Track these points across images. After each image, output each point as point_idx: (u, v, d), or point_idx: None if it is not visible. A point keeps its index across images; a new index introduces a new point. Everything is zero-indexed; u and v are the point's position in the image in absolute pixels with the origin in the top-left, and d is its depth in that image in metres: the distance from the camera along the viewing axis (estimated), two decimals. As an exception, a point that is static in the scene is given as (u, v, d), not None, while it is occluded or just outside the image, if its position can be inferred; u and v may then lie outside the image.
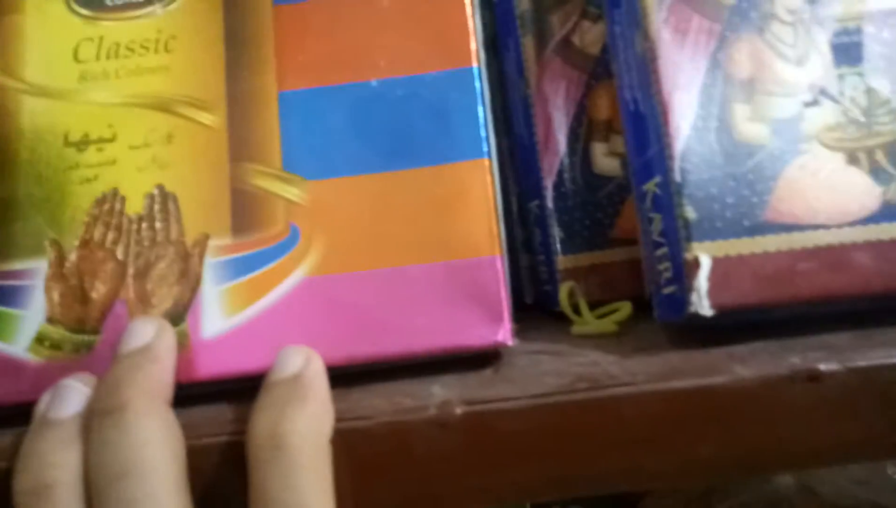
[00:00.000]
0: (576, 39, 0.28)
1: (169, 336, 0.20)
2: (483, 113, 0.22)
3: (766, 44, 0.22)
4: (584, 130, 0.28)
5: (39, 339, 0.21)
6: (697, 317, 0.20)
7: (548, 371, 0.21)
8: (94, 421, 0.18)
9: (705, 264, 0.20)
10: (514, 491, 0.19)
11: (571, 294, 0.26)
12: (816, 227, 0.21)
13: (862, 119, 0.21)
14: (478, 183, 0.22)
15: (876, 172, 0.21)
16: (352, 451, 0.19)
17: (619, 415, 0.19)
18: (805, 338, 0.21)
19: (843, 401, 0.19)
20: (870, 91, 0.22)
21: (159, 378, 0.19)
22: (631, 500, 0.57)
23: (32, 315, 0.21)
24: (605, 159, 0.28)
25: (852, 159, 0.21)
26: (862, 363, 0.19)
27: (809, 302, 0.20)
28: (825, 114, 0.22)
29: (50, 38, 0.23)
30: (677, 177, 0.21)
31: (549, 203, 0.28)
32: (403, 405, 0.19)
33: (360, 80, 0.23)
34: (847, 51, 0.22)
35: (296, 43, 0.23)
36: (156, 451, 0.17)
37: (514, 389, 0.20)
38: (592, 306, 0.27)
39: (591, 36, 0.28)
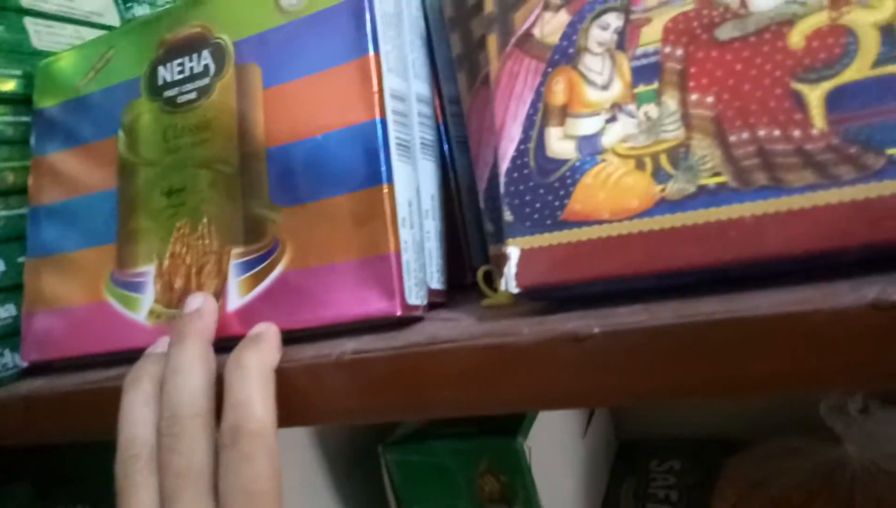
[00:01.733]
0: (536, 32, 0.35)
1: (211, 303, 0.34)
2: (385, 152, 0.32)
3: (578, 73, 0.28)
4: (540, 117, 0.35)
5: (151, 312, 0.36)
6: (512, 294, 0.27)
7: (424, 332, 0.30)
8: (168, 347, 0.32)
9: (514, 254, 0.28)
10: (381, 411, 0.29)
11: (488, 275, 0.34)
12: (601, 222, 0.26)
13: (652, 129, 0.26)
14: (382, 201, 0.31)
15: (657, 174, 0.26)
16: (286, 381, 0.30)
17: (444, 362, 0.28)
18: (591, 310, 0.26)
19: (602, 357, 0.25)
20: (661, 104, 0.26)
21: (204, 327, 0.33)
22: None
23: (147, 298, 0.37)
24: (559, 143, 0.35)
25: (639, 164, 0.26)
26: (618, 327, 0.25)
27: (593, 281, 0.26)
28: (622, 128, 0.27)
29: (152, 129, 0.39)
30: (502, 189, 0.28)
31: (483, 202, 0.36)
32: (321, 352, 0.30)
33: (311, 136, 0.33)
34: (644, 71, 0.27)
35: (275, 113, 0.35)
36: (195, 360, 0.31)
37: (392, 343, 0.29)
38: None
39: (550, 26, 0.34)
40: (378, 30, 0.33)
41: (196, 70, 0.37)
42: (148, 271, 0.37)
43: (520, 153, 0.28)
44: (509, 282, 0.27)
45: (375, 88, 0.32)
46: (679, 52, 0.26)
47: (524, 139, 0.28)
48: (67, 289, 0.39)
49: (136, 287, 0.37)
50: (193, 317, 0.33)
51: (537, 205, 0.28)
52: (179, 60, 0.38)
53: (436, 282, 0.35)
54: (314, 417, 0.31)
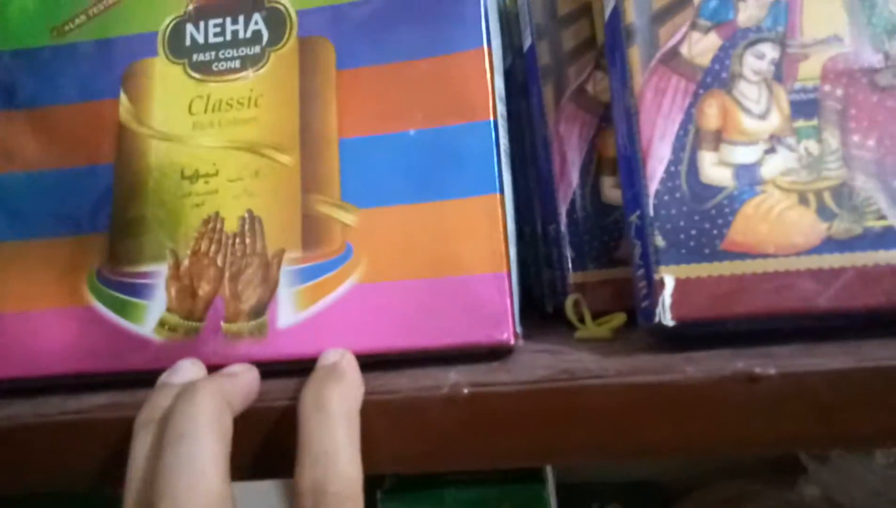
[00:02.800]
0: (589, 87, 0.33)
1: (253, 375, 0.26)
2: (496, 156, 0.28)
3: (734, 100, 0.27)
4: (594, 166, 0.33)
5: (161, 323, 0.29)
6: (663, 326, 0.25)
7: (541, 365, 0.27)
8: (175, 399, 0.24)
9: (669, 283, 0.25)
10: (503, 457, 0.25)
11: (576, 305, 0.32)
12: (765, 256, 0.25)
13: (813, 165, 0.26)
14: (490, 214, 0.28)
15: (822, 211, 0.25)
16: (383, 415, 0.25)
17: (588, 402, 0.24)
18: (755, 348, 0.25)
19: (778, 400, 0.23)
20: (822, 141, 0.26)
21: (233, 390, 0.25)
22: (665, 502, 0.61)
23: (156, 305, 0.29)
24: (611, 191, 0.33)
25: (802, 200, 0.26)
26: (794, 368, 0.23)
27: (756, 318, 0.25)
28: (782, 160, 0.26)
29: (171, 96, 0.31)
30: (651, 212, 0.26)
31: (563, 227, 0.33)
32: (424, 384, 0.25)
33: (401, 130, 0.29)
34: (804, 106, 0.26)
35: (353, 100, 0.30)
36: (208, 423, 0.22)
37: (509, 376, 0.25)
38: (598, 315, 0.32)
39: (603, 85, 0.33)
40: (490, 22, 0.30)
41: (242, 35, 0.31)
42: (157, 271, 0.29)
43: (670, 175, 0.26)
44: (664, 313, 0.25)
45: (489, 87, 0.29)
46: (839, 92, 0.26)
47: (674, 161, 0.26)
48: (29, 288, 0.30)
49: (138, 291, 0.29)
50: (225, 376, 0.26)
51: (693, 232, 0.26)
52: (218, 20, 0.31)
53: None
54: (416, 462, 0.25)
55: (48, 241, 0.30)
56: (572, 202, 0.33)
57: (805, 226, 0.25)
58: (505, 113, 0.31)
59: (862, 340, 0.24)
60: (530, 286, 0.39)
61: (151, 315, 0.29)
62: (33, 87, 0.32)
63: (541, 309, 0.37)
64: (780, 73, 0.27)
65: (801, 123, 0.26)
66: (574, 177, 0.33)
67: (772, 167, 0.26)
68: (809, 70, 0.27)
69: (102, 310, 0.29)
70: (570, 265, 0.33)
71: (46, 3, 0.33)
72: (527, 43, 0.35)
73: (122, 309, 0.29)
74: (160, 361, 0.28)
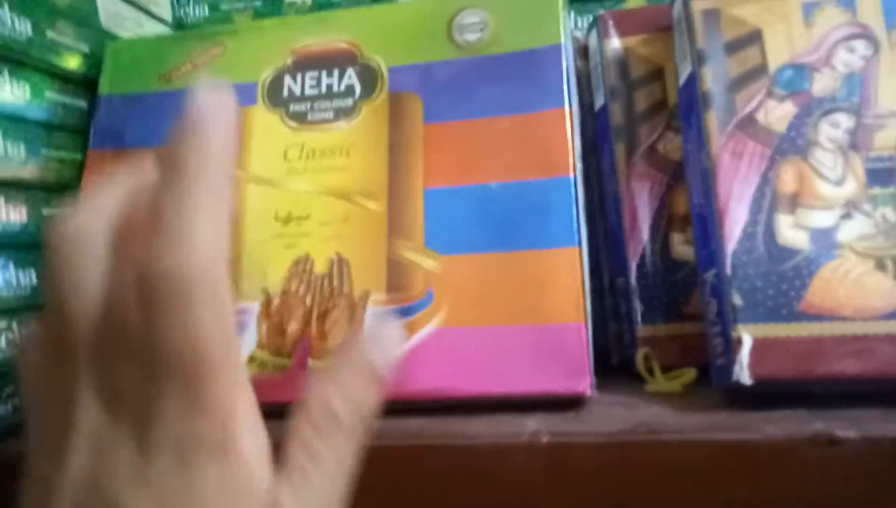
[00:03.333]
0: (660, 147, 0.35)
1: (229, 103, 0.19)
2: (576, 211, 0.29)
3: (809, 166, 0.28)
4: (664, 222, 0.34)
5: (251, 359, 0.30)
6: (741, 385, 0.26)
7: (618, 417, 0.27)
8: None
9: (747, 342, 0.26)
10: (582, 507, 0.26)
11: (647, 358, 0.33)
12: (844, 319, 0.26)
13: (890, 232, 0.26)
14: (569, 265, 0.29)
15: (900, 277, 0.26)
16: (463, 461, 0.26)
17: (668, 456, 0.25)
18: (834, 410, 0.25)
19: (858, 464, 0.24)
20: (899, 209, 0.27)
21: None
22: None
23: (247, 342, 0.30)
24: (681, 247, 0.34)
25: (880, 265, 0.26)
26: (874, 432, 0.24)
27: (834, 380, 0.25)
28: (858, 226, 0.27)
29: (268, 143, 0.33)
30: (728, 271, 0.27)
31: (633, 281, 0.34)
32: (503, 430, 0.26)
33: (483, 183, 0.30)
34: (880, 174, 0.27)
35: (438, 153, 0.31)
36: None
37: (589, 427, 0.26)
38: (666, 369, 0.32)
39: (673, 144, 0.34)
40: (571, 81, 0.31)
41: (336, 88, 0.33)
42: (249, 308, 0.31)
43: (747, 236, 0.27)
44: (742, 371, 0.26)
45: (570, 145, 0.30)
46: (915, 161, 0.27)
47: (751, 222, 0.27)
48: None
49: None
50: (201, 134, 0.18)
51: (770, 292, 0.27)
52: (314, 73, 0.34)
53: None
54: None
55: None
56: (642, 257, 0.34)
57: (883, 291, 0.26)
58: (581, 170, 0.33)
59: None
60: (595, 338, 0.39)
61: (243, 351, 0.30)
62: (142, 129, 0.35)
63: (605, 361, 0.38)
64: (856, 141, 0.28)
65: (877, 190, 0.27)
66: (644, 232, 0.34)
67: (848, 232, 0.27)
68: (885, 140, 0.28)
69: None
70: (639, 318, 0.34)
71: (155, 51, 0.36)
72: (599, 103, 0.36)
73: None
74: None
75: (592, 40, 0.37)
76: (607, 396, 0.31)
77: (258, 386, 0.30)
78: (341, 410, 0.19)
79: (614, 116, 0.35)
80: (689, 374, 0.31)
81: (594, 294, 0.39)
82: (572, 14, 0.43)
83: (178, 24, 0.45)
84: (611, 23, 0.36)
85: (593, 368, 0.29)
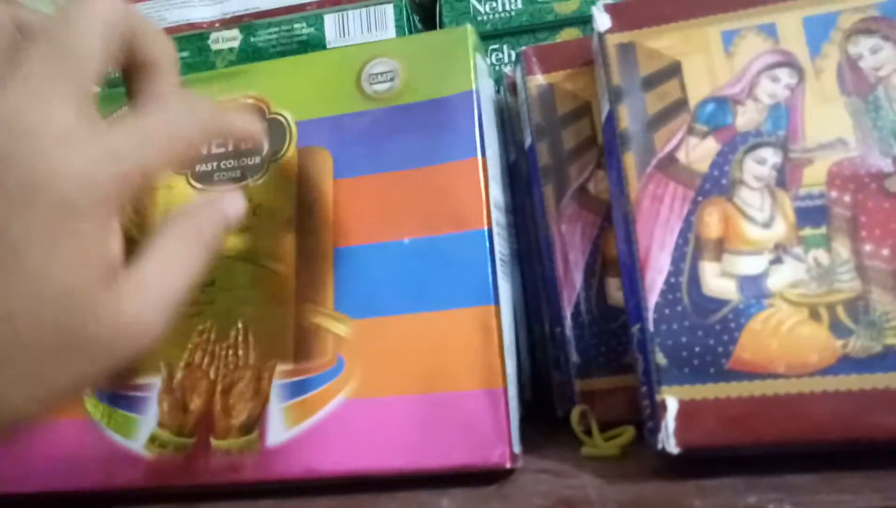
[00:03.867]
0: (591, 186, 0.33)
1: None
2: (491, 267, 0.27)
3: (735, 207, 0.26)
4: (599, 267, 0.32)
5: (152, 439, 0.28)
6: (667, 453, 0.24)
7: (539, 492, 0.25)
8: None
9: (672, 406, 0.24)
10: None
11: (583, 417, 0.30)
12: (776, 376, 0.23)
13: (824, 277, 0.24)
14: (484, 326, 0.27)
15: (836, 327, 0.24)
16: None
17: (587, 538, 0.23)
18: (773, 477, 0.23)
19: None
20: (832, 251, 0.25)
21: None
22: None
23: (148, 420, 0.28)
24: (618, 293, 0.32)
25: (813, 314, 0.24)
26: (814, 506, 0.21)
27: (769, 445, 0.23)
28: (789, 271, 0.25)
29: (173, 205, 0.31)
30: (650, 326, 0.25)
31: (568, 331, 0.32)
32: (412, 514, 0.24)
33: (395, 239, 0.29)
34: (810, 213, 0.25)
35: (349, 209, 0.30)
36: None
37: (505, 505, 0.24)
38: (606, 426, 0.30)
39: (604, 184, 0.33)
40: (485, 131, 0.30)
41: (243, 145, 0.32)
42: (151, 384, 0.29)
43: (670, 287, 0.25)
44: (668, 439, 0.23)
45: (483, 196, 0.28)
46: (847, 198, 0.25)
47: (674, 272, 0.25)
48: None
49: (132, 404, 0.29)
50: None
51: (696, 349, 0.24)
52: None
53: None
54: None
55: None
56: (577, 305, 0.32)
57: (818, 343, 0.24)
58: (503, 219, 0.31)
59: (886, 470, 0.22)
60: (541, 389, 0.37)
61: (143, 430, 0.28)
62: None
63: (552, 414, 0.36)
64: (784, 178, 0.26)
65: (808, 231, 0.25)
66: (578, 279, 0.32)
67: (779, 279, 0.25)
68: (814, 175, 0.25)
69: (97, 424, 0.29)
70: (575, 372, 0.32)
71: None
72: (527, 142, 0.35)
73: (116, 424, 0.29)
74: (150, 479, 0.27)
75: (518, 77, 0.35)
76: (539, 461, 0.29)
77: (157, 469, 0.28)
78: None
79: (541, 156, 0.34)
80: (628, 434, 0.29)
81: (536, 345, 0.37)
82: (505, 48, 0.42)
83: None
84: (534, 58, 0.34)
85: (519, 433, 0.27)
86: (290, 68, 0.33)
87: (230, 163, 0.31)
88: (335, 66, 0.32)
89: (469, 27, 0.31)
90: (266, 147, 0.31)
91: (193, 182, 0.32)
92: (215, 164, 0.32)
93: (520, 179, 0.37)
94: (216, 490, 0.28)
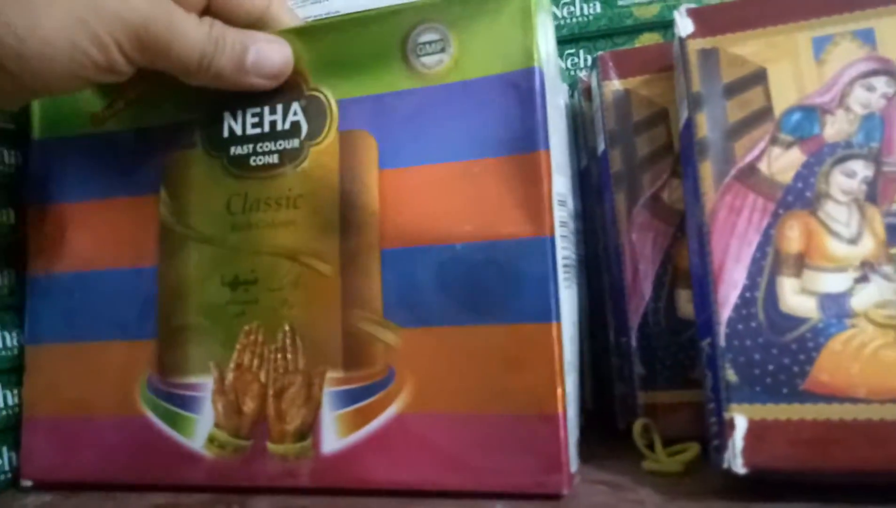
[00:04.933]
0: (664, 195, 0.32)
1: None
2: (553, 280, 0.25)
3: (819, 221, 0.25)
4: (669, 278, 0.31)
5: (210, 439, 0.28)
6: (732, 473, 0.23)
7: (596, 504, 0.25)
8: None
9: (741, 425, 0.23)
10: None
11: (646, 431, 0.29)
12: (857, 400, 0.22)
13: (915, 298, 0.23)
14: (546, 345, 0.25)
15: (926, 352, 0.22)
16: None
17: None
18: (845, 504, 0.22)
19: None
20: (926, 271, 0.23)
21: None
22: None
23: (205, 420, 0.28)
24: (688, 305, 0.31)
25: (902, 337, 0.23)
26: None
27: (844, 473, 0.22)
28: (876, 291, 0.23)
29: (209, 193, 0.30)
30: (722, 342, 0.24)
31: (634, 342, 0.31)
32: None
33: (447, 242, 0.27)
34: (903, 232, 0.24)
35: (396, 205, 0.27)
36: None
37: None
38: (670, 441, 0.29)
39: (679, 193, 0.32)
40: (549, 117, 0.27)
41: (280, 126, 0.29)
42: (204, 383, 0.29)
43: (745, 302, 0.24)
44: (734, 458, 0.23)
45: (545, 198, 0.26)
46: (946, 216, 0.23)
47: (750, 286, 0.24)
48: (85, 392, 0.30)
49: (187, 403, 0.29)
50: None
51: (770, 367, 0.23)
52: (256, 109, 0.29)
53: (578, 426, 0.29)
54: None
55: (100, 344, 0.31)
56: (644, 316, 0.31)
57: (905, 369, 0.22)
58: (571, 222, 0.30)
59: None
60: (603, 399, 0.36)
61: (201, 429, 0.28)
62: (77, 179, 0.32)
63: (612, 426, 0.35)
64: (875, 193, 0.24)
65: (899, 249, 0.24)
66: (647, 289, 0.32)
67: (864, 298, 0.23)
68: (909, 191, 0.24)
69: (155, 421, 0.29)
70: (639, 384, 0.31)
71: (93, 88, 0.32)
72: (600, 148, 0.34)
73: (173, 421, 0.29)
74: (213, 478, 0.28)
75: (594, 82, 0.35)
76: (598, 473, 0.28)
77: (217, 469, 0.28)
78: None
79: (614, 163, 0.33)
80: (692, 450, 0.28)
81: (601, 352, 0.36)
82: (581, 53, 0.41)
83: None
84: (610, 63, 0.34)
85: (575, 455, 0.26)
86: (330, 33, 0.29)
87: (267, 146, 0.30)
88: (378, 30, 0.28)
89: None
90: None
91: (229, 166, 0.30)
92: (251, 147, 0.30)
93: (590, 185, 0.36)
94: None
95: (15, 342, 0.32)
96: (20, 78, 0.24)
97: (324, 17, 0.45)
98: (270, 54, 0.28)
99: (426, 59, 0.28)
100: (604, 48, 0.41)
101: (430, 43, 0.28)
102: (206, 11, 0.30)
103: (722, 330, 0.24)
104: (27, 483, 0.31)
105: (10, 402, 0.32)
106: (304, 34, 0.30)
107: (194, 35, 0.27)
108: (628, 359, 0.32)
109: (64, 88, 0.26)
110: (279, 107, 0.29)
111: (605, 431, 0.34)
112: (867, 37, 0.26)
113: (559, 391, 0.25)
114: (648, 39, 0.40)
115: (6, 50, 0.23)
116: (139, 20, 0.25)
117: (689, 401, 0.30)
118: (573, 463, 0.26)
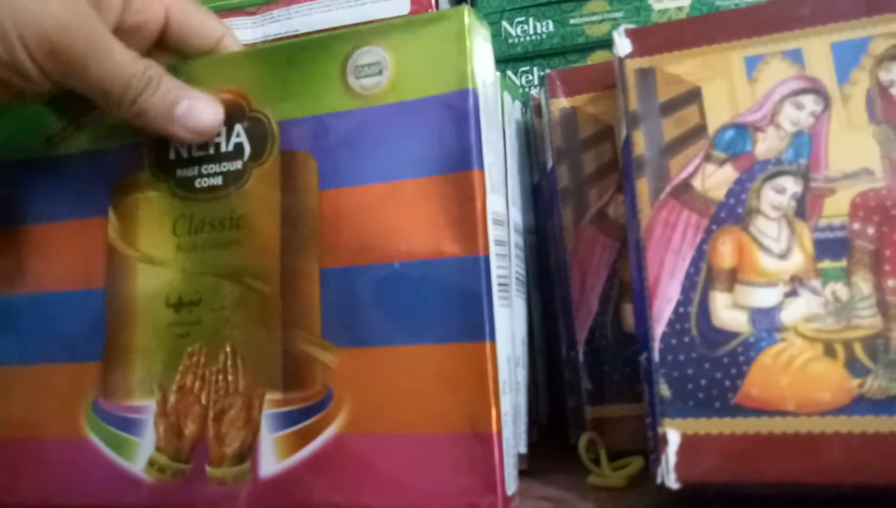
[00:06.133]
0: (610, 211, 0.32)
1: None
2: (488, 299, 0.25)
3: (750, 237, 0.25)
4: (615, 292, 0.32)
5: (151, 463, 0.28)
6: (666, 488, 0.23)
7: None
8: None
9: (673, 440, 0.23)
10: None
11: (592, 444, 0.30)
12: (786, 413, 0.23)
13: (842, 312, 0.23)
14: (479, 364, 0.25)
15: (852, 365, 0.23)
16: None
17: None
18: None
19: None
20: (852, 285, 0.24)
21: None
22: None
23: (146, 443, 0.28)
24: (633, 319, 0.31)
25: (829, 351, 0.23)
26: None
27: (774, 485, 0.22)
28: (805, 305, 0.24)
29: (156, 215, 0.30)
30: (656, 356, 0.24)
31: (581, 356, 0.32)
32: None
33: (385, 261, 0.27)
34: (830, 245, 0.24)
35: (335, 225, 0.27)
36: None
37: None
38: (616, 455, 0.29)
39: (623, 209, 0.32)
40: (484, 137, 0.27)
41: (224, 147, 0.30)
42: (147, 406, 0.29)
43: (679, 317, 0.25)
44: (668, 473, 0.23)
45: (479, 216, 0.26)
46: (871, 230, 0.24)
47: (683, 301, 0.25)
48: (32, 414, 0.30)
49: (130, 426, 0.29)
50: None
51: (702, 382, 0.24)
52: None
53: (522, 445, 0.30)
54: None
55: (49, 367, 0.30)
56: (592, 330, 0.32)
57: (832, 382, 0.23)
58: (507, 239, 0.29)
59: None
60: (558, 414, 0.37)
61: (142, 453, 0.28)
62: (30, 202, 0.32)
63: (565, 439, 0.35)
64: (804, 208, 0.25)
65: (826, 263, 0.24)
66: (594, 303, 0.32)
67: (793, 312, 0.24)
68: (836, 206, 0.25)
69: (98, 444, 0.29)
70: (587, 398, 0.31)
71: (38, 113, 0.33)
72: (549, 164, 0.35)
73: (116, 444, 0.29)
74: (152, 502, 0.28)
75: (542, 99, 0.35)
76: (544, 489, 0.28)
77: (157, 493, 0.28)
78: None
79: (561, 179, 0.33)
80: (636, 464, 0.28)
81: (555, 365, 0.36)
82: (535, 71, 0.42)
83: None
84: (557, 81, 0.34)
85: (513, 475, 0.26)
86: (271, 57, 0.30)
87: (212, 168, 0.30)
88: (319, 54, 0.29)
89: (466, 9, 0.27)
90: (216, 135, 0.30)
91: (176, 188, 0.30)
92: (196, 169, 0.30)
93: (542, 200, 0.36)
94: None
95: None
96: None
97: (283, 35, 0.46)
98: (202, 111, 0.28)
99: (365, 81, 0.28)
100: (557, 66, 0.41)
101: (368, 66, 0.28)
102: (160, 40, 0.30)
103: (656, 345, 0.25)
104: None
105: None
106: (247, 57, 0.30)
107: (123, 65, 0.26)
108: (576, 373, 0.32)
109: None
110: (223, 129, 0.30)
111: (558, 445, 0.34)
112: (796, 56, 0.27)
113: (493, 410, 0.25)
114: (600, 57, 0.41)
115: None
116: (53, 26, 0.24)
117: (635, 415, 0.30)
118: (510, 484, 0.25)
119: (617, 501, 0.26)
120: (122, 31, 0.28)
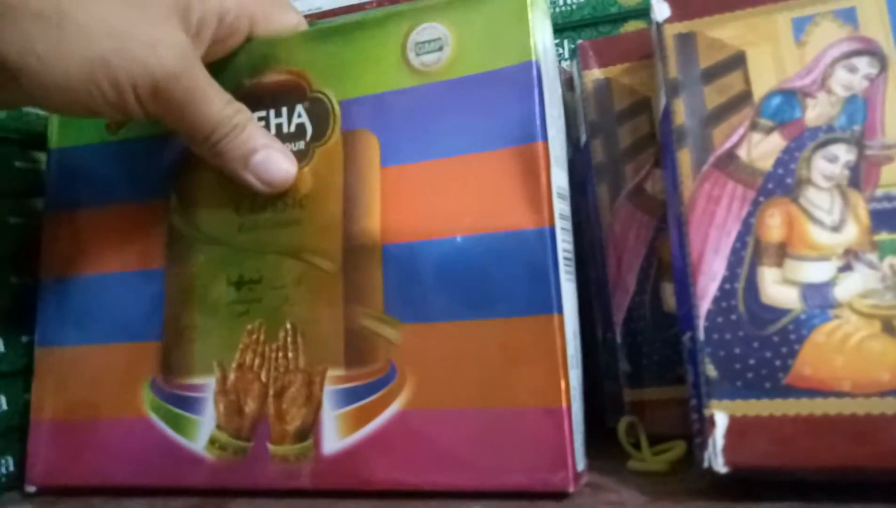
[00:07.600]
0: (648, 186, 0.31)
1: None
2: (554, 271, 0.25)
3: (801, 208, 0.24)
4: (654, 271, 0.31)
5: (212, 441, 0.28)
6: (714, 472, 0.22)
7: (574, 506, 0.24)
8: None
9: (721, 422, 0.22)
10: None
11: (631, 428, 0.29)
12: (841, 394, 0.21)
13: (901, 286, 0.22)
14: (548, 338, 0.25)
15: (913, 342, 0.21)
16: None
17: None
18: (831, 503, 0.21)
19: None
20: (912, 258, 0.22)
21: None
22: None
23: (207, 421, 0.28)
24: (674, 299, 0.30)
25: (887, 328, 0.22)
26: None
27: (829, 471, 0.21)
28: (860, 280, 0.22)
29: (219, 196, 0.31)
30: (701, 335, 0.23)
31: (618, 338, 0.31)
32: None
33: (447, 236, 0.27)
34: (887, 216, 0.23)
35: (397, 201, 0.28)
36: None
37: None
38: (658, 439, 0.29)
39: (662, 183, 0.31)
40: (546, 110, 0.27)
41: (286, 129, 0.30)
42: (207, 384, 0.29)
43: (724, 294, 0.24)
44: (715, 457, 0.22)
45: (544, 188, 0.26)
46: (932, 199, 0.23)
47: (729, 278, 0.24)
48: (91, 394, 0.31)
49: (190, 405, 0.29)
50: None
51: (751, 361, 0.23)
52: (262, 113, 0.30)
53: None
54: None
55: (109, 346, 0.31)
56: (629, 310, 0.31)
57: (891, 360, 0.21)
58: (568, 214, 0.28)
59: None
60: (593, 397, 0.36)
61: (203, 431, 0.28)
62: (91, 185, 0.33)
63: (602, 423, 0.34)
64: (858, 178, 0.24)
65: (884, 235, 0.23)
66: (631, 282, 0.31)
67: (848, 288, 0.23)
68: (894, 175, 0.23)
69: (158, 423, 0.29)
70: (625, 381, 0.30)
71: None
72: (582, 139, 0.33)
73: (175, 423, 0.29)
74: (214, 481, 0.28)
75: (574, 71, 0.34)
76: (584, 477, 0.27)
77: (219, 471, 0.28)
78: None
79: (596, 154, 0.32)
80: (678, 448, 0.27)
81: (587, 351, 0.35)
82: (566, 43, 0.41)
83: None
84: (590, 52, 0.33)
85: (582, 452, 0.26)
86: (330, 37, 0.30)
87: None
88: (378, 32, 0.29)
89: None
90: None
91: None
92: None
93: (575, 177, 0.35)
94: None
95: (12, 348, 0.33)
96: (32, 95, 0.25)
97: (305, 13, 0.45)
98: (275, 165, 0.29)
99: (425, 58, 0.28)
100: (589, 37, 0.40)
101: (428, 42, 0.28)
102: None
103: (701, 324, 0.24)
104: (31, 489, 0.31)
105: (3, 407, 0.32)
106: (305, 38, 0.31)
107: (215, 110, 0.27)
108: (614, 355, 0.31)
109: (72, 113, 0.27)
110: (284, 110, 0.30)
111: (595, 430, 0.34)
112: (848, 16, 0.25)
113: (563, 384, 0.24)
114: (633, 27, 0.39)
115: (26, 70, 0.24)
116: (161, 74, 0.25)
117: (677, 398, 0.30)
118: (580, 461, 0.25)
119: (658, 486, 0.25)
120: (214, 44, 0.29)
